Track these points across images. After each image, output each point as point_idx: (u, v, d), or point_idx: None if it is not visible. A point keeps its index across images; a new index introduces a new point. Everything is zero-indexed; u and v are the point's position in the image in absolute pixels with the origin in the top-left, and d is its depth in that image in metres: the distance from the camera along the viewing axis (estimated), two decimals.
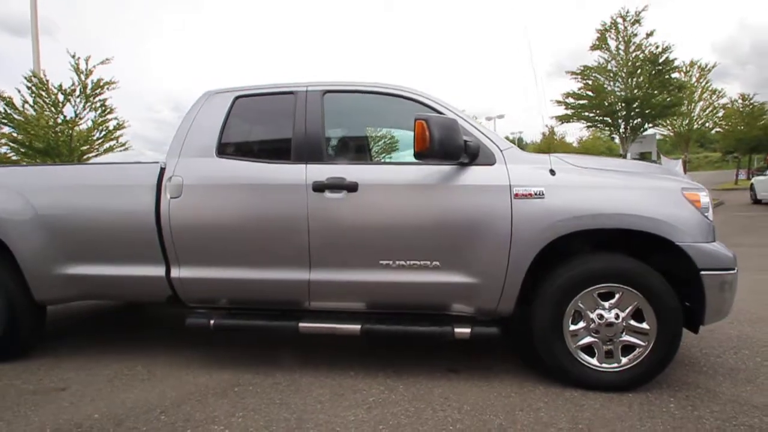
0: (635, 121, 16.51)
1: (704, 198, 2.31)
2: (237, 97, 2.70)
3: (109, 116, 11.40)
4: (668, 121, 21.13)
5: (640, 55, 15.75)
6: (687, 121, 22.36)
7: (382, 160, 2.81)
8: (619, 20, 16.01)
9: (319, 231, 2.41)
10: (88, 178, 2.74)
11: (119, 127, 11.41)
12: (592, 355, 2.32)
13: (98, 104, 11.21)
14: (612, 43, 16.33)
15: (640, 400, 2.20)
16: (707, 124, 24.06)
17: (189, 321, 2.59)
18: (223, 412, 2.14)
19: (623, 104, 15.88)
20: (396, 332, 2.43)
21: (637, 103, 15.74)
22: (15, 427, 2.07)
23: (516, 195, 2.28)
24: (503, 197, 2.29)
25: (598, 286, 2.27)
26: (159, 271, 2.61)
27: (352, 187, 2.39)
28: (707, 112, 22.95)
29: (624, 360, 2.29)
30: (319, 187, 2.41)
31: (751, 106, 23.13)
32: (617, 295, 2.27)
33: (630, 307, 2.26)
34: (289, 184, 2.45)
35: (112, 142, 11.48)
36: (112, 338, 3.32)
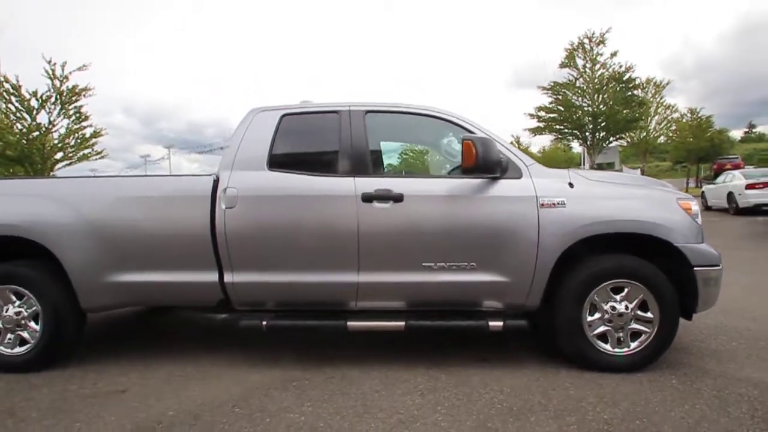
0: (601, 134, 17.80)
1: (694, 206, 2.76)
2: (284, 115, 2.93)
3: (84, 123, 11.20)
4: (627, 134, 22.94)
5: (605, 74, 17.07)
6: (644, 134, 24.27)
7: (421, 173, 3.10)
8: (586, 41, 17.33)
9: (368, 237, 2.67)
10: (142, 189, 2.87)
11: (96, 134, 11.12)
12: (606, 342, 2.69)
13: (72, 111, 10.97)
14: (579, 62, 17.60)
15: (648, 378, 2.59)
16: (662, 137, 26.14)
17: (243, 322, 2.77)
18: (291, 403, 2.35)
19: (590, 118, 17.12)
20: (438, 327, 2.73)
21: (602, 118, 17.00)
22: (94, 427, 2.19)
23: (542, 204, 2.64)
24: (531, 206, 2.64)
25: (610, 282, 2.65)
26: (212, 276, 2.78)
27: (398, 198, 2.67)
28: (662, 125, 24.96)
29: (633, 345, 2.68)
30: (367, 198, 2.68)
31: (698, 119, 25.29)
32: (626, 289, 2.66)
33: (637, 299, 2.65)
34: (340, 195, 2.70)
35: (87, 150, 11.19)
36: (144, 344, 3.40)
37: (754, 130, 77.28)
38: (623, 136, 20.88)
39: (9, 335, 2.90)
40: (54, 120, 10.51)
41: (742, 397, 2.35)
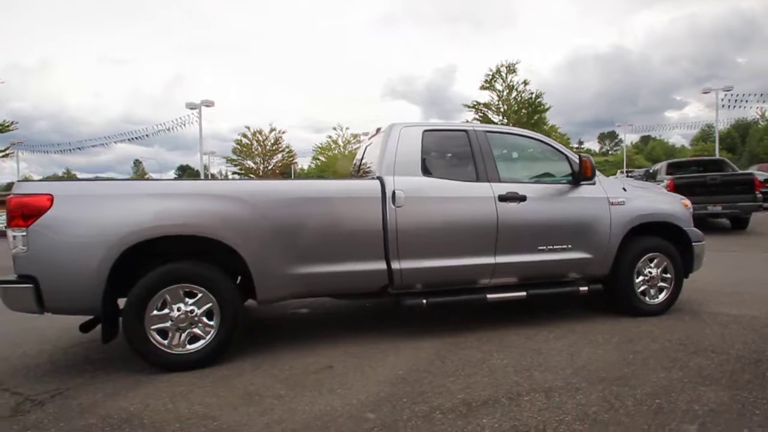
0: None
1: (689, 203, 4.21)
2: (425, 131, 3.59)
3: None
4: None
5: (518, 98, 20.32)
6: None
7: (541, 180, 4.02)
8: (503, 69, 20.52)
9: (504, 228, 3.51)
10: (320, 190, 3.25)
11: (3, 128, 9.30)
12: (645, 296, 3.96)
13: None
14: (498, 86, 20.71)
15: (673, 318, 3.90)
16: None
17: (408, 302, 3.35)
18: (482, 356, 3.06)
19: None
20: (549, 294, 3.68)
21: None
22: (366, 388, 2.60)
23: (611, 203, 3.80)
24: (605, 204, 3.79)
25: (649, 254, 3.92)
26: (380, 265, 3.30)
27: (522, 198, 3.57)
28: None
29: (660, 297, 3.99)
30: (503, 198, 3.52)
31: (560, 138, 31.36)
32: (656, 259, 3.96)
33: (662, 266, 3.98)
34: (483, 197, 3.50)
35: None
36: (272, 337, 3.66)
37: (582, 147, 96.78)
38: None
39: (179, 334, 2.99)
40: None
41: (730, 322, 3.78)
